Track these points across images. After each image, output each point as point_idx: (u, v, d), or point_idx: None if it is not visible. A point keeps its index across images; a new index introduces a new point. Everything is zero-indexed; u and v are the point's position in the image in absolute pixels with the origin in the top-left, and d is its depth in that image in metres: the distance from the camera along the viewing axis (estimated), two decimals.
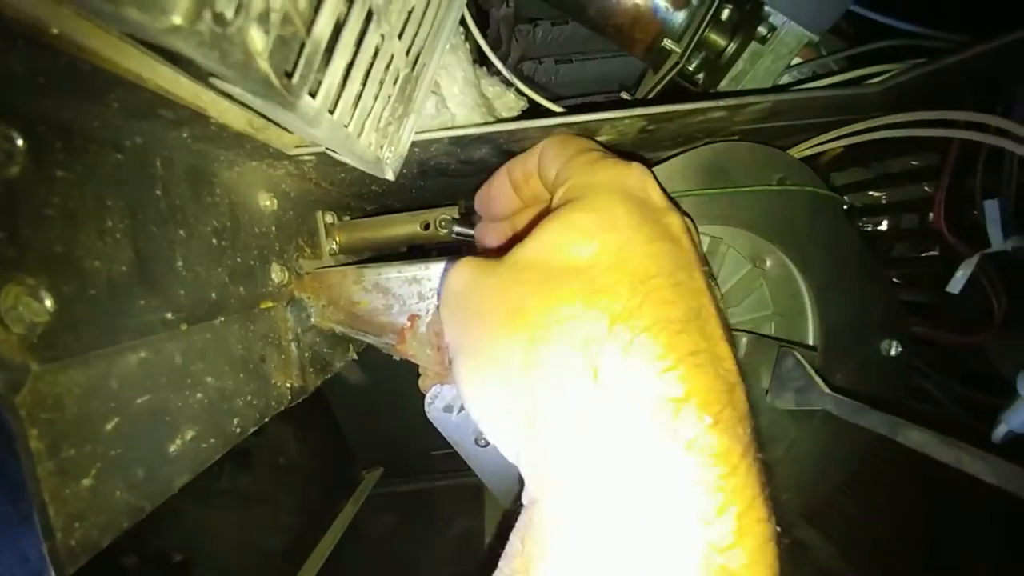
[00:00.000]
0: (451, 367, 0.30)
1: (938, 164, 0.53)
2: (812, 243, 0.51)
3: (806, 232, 0.51)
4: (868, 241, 0.62)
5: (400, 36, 0.30)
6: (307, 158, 0.40)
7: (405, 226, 0.60)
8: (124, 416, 0.27)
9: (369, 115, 0.30)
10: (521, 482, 0.25)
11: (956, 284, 0.47)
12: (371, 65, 0.27)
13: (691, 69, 0.56)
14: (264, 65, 0.17)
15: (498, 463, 0.53)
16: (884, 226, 0.66)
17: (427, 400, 0.51)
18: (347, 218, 0.61)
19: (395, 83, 0.32)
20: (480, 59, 0.53)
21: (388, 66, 0.30)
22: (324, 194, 0.55)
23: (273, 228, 0.45)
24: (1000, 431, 0.40)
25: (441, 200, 0.65)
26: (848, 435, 0.50)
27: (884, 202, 0.65)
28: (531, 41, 0.86)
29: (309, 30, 0.20)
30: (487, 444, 0.52)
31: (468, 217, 0.69)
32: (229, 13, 0.15)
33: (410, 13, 0.29)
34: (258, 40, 0.17)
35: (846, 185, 0.67)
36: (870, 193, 0.65)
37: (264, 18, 0.17)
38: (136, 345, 0.28)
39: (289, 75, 0.20)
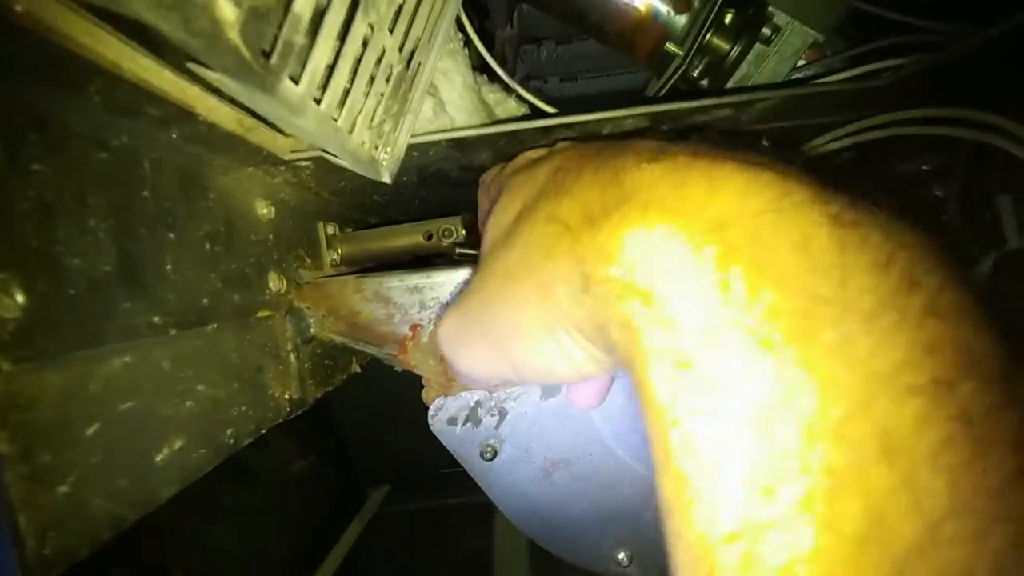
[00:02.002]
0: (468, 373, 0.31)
1: (947, 163, 0.52)
2: None
3: None
4: None
5: (391, 30, 0.29)
6: (303, 163, 0.40)
7: (407, 237, 0.59)
8: (106, 422, 0.25)
9: (360, 111, 0.29)
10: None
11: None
12: (360, 57, 0.27)
13: (695, 74, 0.55)
14: (234, 37, 0.17)
15: (505, 478, 0.51)
16: None
17: (431, 412, 0.49)
18: (349, 229, 0.61)
19: (388, 80, 0.31)
20: (481, 67, 0.53)
21: (380, 61, 0.29)
22: (325, 204, 0.54)
23: (271, 237, 0.44)
24: None
25: (444, 211, 0.64)
26: None
27: None
28: (536, 60, 0.87)
29: (287, 6, 0.19)
30: (493, 457, 0.50)
31: (473, 229, 0.68)
32: None
33: (401, 7, 0.29)
34: (227, 9, 0.16)
35: None
36: None
37: None
38: (120, 348, 0.27)
39: (267, 55, 0.19)
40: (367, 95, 0.29)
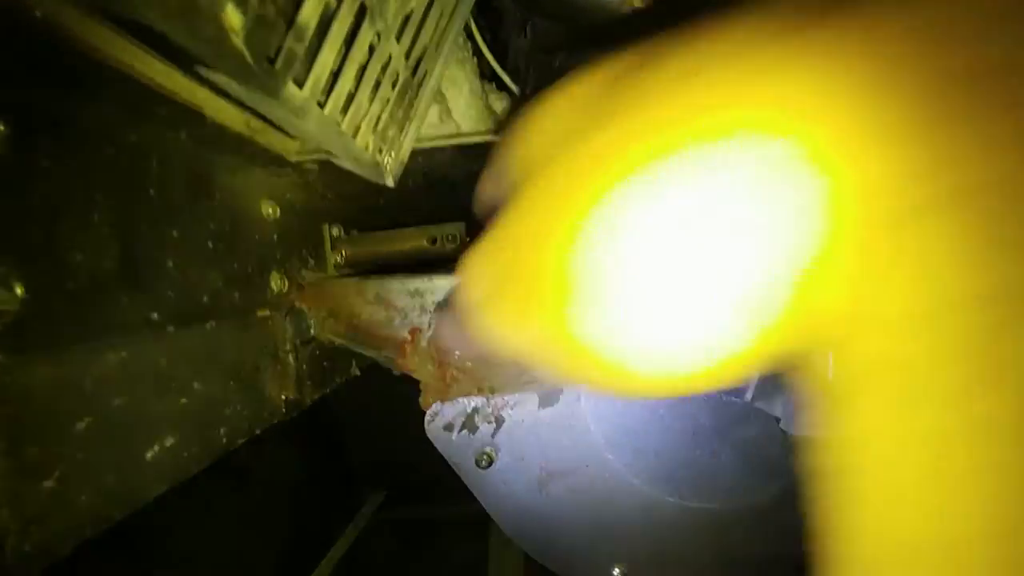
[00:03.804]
0: None
1: None
2: None
3: None
4: None
5: (399, 38, 0.29)
6: (310, 165, 0.40)
7: (412, 240, 0.59)
8: (97, 417, 0.26)
9: (365, 116, 0.29)
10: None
11: None
12: (366, 63, 0.27)
13: None
14: (239, 43, 0.17)
15: (500, 487, 0.51)
16: None
17: (427, 418, 0.49)
18: (355, 232, 0.61)
19: (394, 86, 0.32)
20: (490, 75, 0.53)
21: (386, 67, 0.29)
22: (331, 207, 0.54)
23: (275, 237, 0.44)
24: None
25: (450, 216, 0.64)
26: None
27: None
28: (549, 71, 0.87)
29: (292, 14, 0.19)
30: (489, 465, 0.50)
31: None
32: None
33: (409, 16, 0.29)
34: (234, 17, 0.16)
35: None
36: None
37: None
38: (116, 344, 0.27)
39: (272, 60, 0.19)
40: (372, 100, 0.29)
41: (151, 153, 0.30)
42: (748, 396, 0.46)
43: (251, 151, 0.35)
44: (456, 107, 0.44)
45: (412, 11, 0.29)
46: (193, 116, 0.28)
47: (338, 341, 0.49)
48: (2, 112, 0.21)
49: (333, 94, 0.25)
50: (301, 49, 0.21)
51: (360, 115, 0.29)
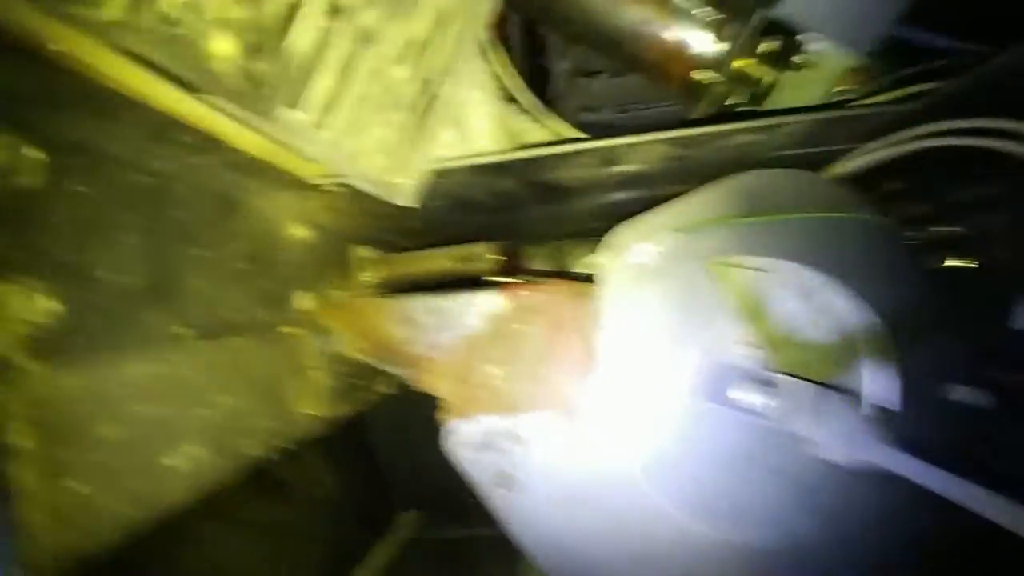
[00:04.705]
0: None
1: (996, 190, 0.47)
2: (872, 278, 0.46)
3: (864, 265, 0.46)
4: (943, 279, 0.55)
5: (403, 63, 0.30)
6: (333, 188, 0.42)
7: (438, 261, 0.60)
8: (122, 424, 0.27)
9: (373, 137, 0.31)
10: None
11: (1021, 318, 0.40)
12: (368, 87, 0.28)
13: (729, 102, 0.55)
14: (223, 68, 0.18)
15: (522, 509, 0.50)
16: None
17: (447, 435, 0.49)
18: (387, 253, 0.63)
19: (402, 109, 0.33)
20: (513, 96, 0.55)
21: (391, 90, 0.31)
22: (361, 229, 0.57)
23: (304, 257, 0.46)
24: None
25: (477, 238, 0.65)
26: (917, 504, 0.42)
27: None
28: (589, 92, 0.89)
29: (281, 42, 0.21)
30: (510, 486, 0.49)
31: (512, 254, 0.69)
32: (174, 13, 0.15)
33: (413, 41, 0.30)
34: (218, 44, 0.18)
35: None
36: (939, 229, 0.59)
37: (224, 23, 0.17)
38: (143, 355, 0.29)
39: (262, 84, 0.21)
40: (378, 123, 0.31)
41: (179, 178, 0.33)
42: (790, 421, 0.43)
43: (274, 175, 0.37)
44: (474, 128, 0.45)
45: (416, 37, 0.31)
46: (213, 142, 0.30)
47: (363, 358, 0.50)
48: (41, 143, 0.24)
49: (334, 116, 0.26)
50: (293, 74, 0.22)
51: (366, 137, 0.30)
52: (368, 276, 0.58)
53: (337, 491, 0.68)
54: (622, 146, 0.42)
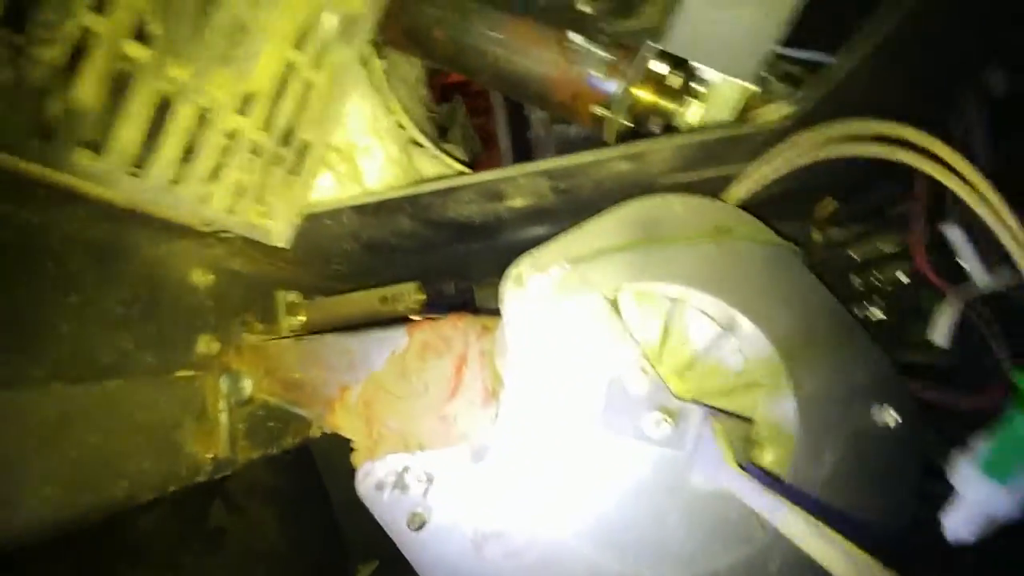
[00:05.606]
0: None
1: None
2: (770, 298, 0.46)
3: (761, 286, 0.46)
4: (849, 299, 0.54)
5: (243, 113, 0.32)
6: (226, 235, 0.44)
7: (366, 302, 0.61)
8: None
9: (218, 183, 0.33)
10: None
11: (940, 334, 0.39)
12: (194, 135, 0.30)
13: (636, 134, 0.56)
14: None
15: (433, 550, 0.48)
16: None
17: (358, 477, 0.49)
18: (318, 297, 0.65)
19: (257, 155, 0.35)
20: (413, 139, 0.57)
21: (234, 138, 0.33)
22: (282, 273, 0.58)
23: (208, 302, 0.48)
24: (948, 532, 0.31)
25: (412, 278, 0.66)
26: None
27: (860, 257, 0.57)
28: (566, 137, 0.92)
29: (55, 86, 0.22)
30: (421, 527, 0.48)
31: (438, 293, 0.70)
32: None
33: (253, 94, 0.32)
34: None
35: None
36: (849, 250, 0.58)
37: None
38: None
39: (48, 132, 0.23)
40: (225, 168, 0.32)
41: (51, 231, 0.34)
42: (689, 446, 0.42)
43: (162, 224, 0.39)
44: (368, 171, 0.47)
45: (256, 90, 0.33)
46: (71, 195, 0.31)
47: (273, 401, 0.51)
48: None
49: (154, 163, 0.28)
50: (81, 117, 0.24)
51: (209, 182, 0.32)
52: (295, 320, 0.60)
53: (283, 542, 0.67)
54: (503, 179, 0.43)
